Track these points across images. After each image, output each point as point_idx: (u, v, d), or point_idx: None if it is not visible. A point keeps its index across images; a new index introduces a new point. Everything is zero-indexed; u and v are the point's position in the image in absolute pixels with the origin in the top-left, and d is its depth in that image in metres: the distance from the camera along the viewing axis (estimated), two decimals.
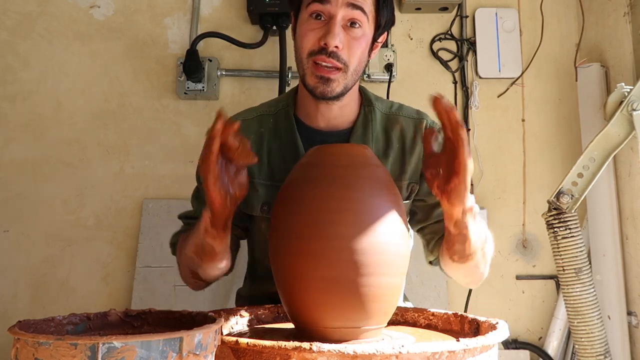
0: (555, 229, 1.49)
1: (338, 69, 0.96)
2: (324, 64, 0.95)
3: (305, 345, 0.58)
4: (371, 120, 1.07)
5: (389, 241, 0.75)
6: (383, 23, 1.01)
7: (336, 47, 0.94)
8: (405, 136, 1.07)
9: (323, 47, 0.94)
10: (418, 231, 1.12)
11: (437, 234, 1.08)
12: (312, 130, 1.06)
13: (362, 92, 1.11)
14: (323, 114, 1.05)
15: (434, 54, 1.94)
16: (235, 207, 0.79)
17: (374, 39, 1.02)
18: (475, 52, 1.93)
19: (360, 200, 0.75)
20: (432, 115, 1.13)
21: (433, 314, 0.92)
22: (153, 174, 1.84)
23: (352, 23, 0.95)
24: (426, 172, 0.79)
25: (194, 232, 0.90)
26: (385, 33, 1.06)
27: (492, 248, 0.98)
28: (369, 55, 1.03)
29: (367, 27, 0.97)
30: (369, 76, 1.87)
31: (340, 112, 1.05)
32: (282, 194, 0.81)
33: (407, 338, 0.82)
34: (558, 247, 1.49)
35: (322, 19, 0.95)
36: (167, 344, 0.50)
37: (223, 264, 0.93)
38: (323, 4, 0.94)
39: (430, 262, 1.11)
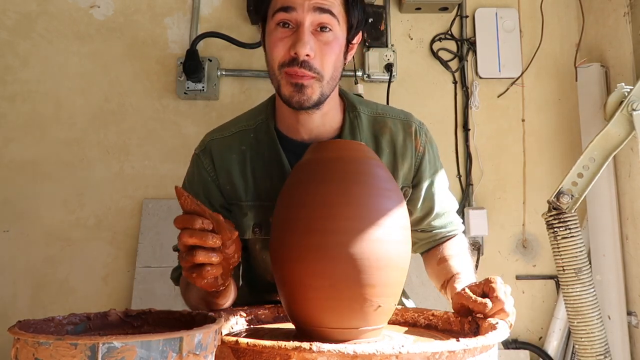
0: (555, 229, 1.49)
1: (312, 77, 0.90)
2: (297, 75, 0.89)
3: (305, 345, 0.58)
4: (358, 126, 1.02)
5: (389, 236, 0.75)
6: (355, 23, 0.96)
7: (307, 55, 0.88)
8: (395, 140, 1.03)
9: (294, 57, 0.88)
10: None
11: (421, 241, 1.09)
12: (295, 143, 1.00)
13: (344, 96, 1.05)
14: (304, 125, 0.98)
15: (434, 54, 1.94)
16: (232, 271, 0.79)
17: (348, 41, 0.97)
18: (475, 52, 1.93)
19: (360, 195, 0.75)
20: (418, 116, 1.11)
21: (433, 314, 0.92)
22: (153, 174, 1.84)
23: (322, 28, 0.90)
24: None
25: (194, 286, 0.88)
26: (360, 34, 1.01)
27: None
28: (345, 59, 0.97)
29: (338, 30, 0.92)
30: (369, 76, 1.87)
31: (322, 121, 0.99)
32: (283, 193, 0.81)
33: (407, 338, 0.82)
34: (558, 247, 1.49)
35: (290, 27, 0.90)
36: (167, 344, 0.50)
37: (230, 301, 0.92)
38: (289, 12, 0.89)
39: None
